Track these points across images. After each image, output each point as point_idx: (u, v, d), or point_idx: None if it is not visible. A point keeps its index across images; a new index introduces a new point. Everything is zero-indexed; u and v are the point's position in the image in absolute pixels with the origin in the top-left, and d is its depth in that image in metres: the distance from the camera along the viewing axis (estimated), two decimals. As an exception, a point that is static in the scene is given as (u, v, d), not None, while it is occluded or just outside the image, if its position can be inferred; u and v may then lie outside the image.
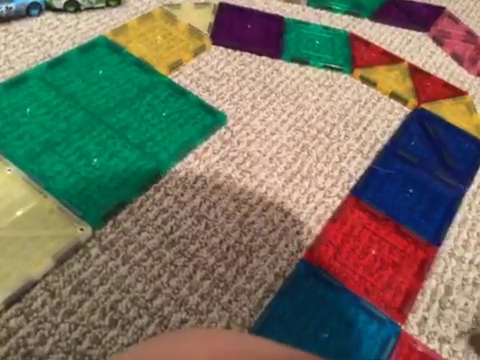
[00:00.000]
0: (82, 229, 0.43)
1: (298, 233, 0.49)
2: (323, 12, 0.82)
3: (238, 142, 0.56)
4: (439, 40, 0.82)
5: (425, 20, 0.85)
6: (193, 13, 0.72)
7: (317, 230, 0.49)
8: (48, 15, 0.66)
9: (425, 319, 0.45)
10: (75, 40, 0.63)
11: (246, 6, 0.76)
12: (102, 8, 0.69)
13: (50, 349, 0.37)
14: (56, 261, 0.41)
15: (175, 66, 0.63)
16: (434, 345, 0.43)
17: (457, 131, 0.65)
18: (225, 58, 0.67)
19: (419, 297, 0.46)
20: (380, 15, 0.83)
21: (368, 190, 0.54)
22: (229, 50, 0.68)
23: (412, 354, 0.42)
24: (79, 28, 0.65)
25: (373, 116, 0.64)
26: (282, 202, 0.51)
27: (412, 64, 0.74)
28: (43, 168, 0.47)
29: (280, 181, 0.53)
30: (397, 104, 0.67)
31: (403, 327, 0.43)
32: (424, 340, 0.43)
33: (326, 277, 0.45)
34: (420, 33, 0.83)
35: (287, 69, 0.68)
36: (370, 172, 0.56)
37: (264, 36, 0.71)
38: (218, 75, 0.64)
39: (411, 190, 0.55)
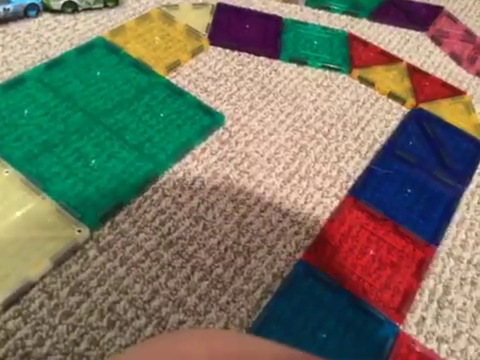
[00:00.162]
0: (80, 230, 0.43)
1: (296, 233, 0.49)
2: (321, 12, 0.82)
3: (236, 143, 0.56)
4: (437, 40, 0.82)
5: (423, 20, 0.85)
6: (191, 14, 0.72)
7: (315, 230, 0.49)
8: (46, 16, 0.66)
9: (423, 319, 0.45)
10: (73, 41, 0.63)
11: (244, 6, 0.76)
12: (100, 9, 0.69)
13: (48, 350, 0.37)
14: (54, 263, 0.41)
15: (173, 67, 0.63)
16: (432, 345, 0.43)
17: (455, 131, 0.65)
18: (223, 59, 0.67)
19: (417, 297, 0.46)
20: (378, 15, 0.83)
21: (366, 190, 0.54)
22: (227, 50, 0.68)
23: (410, 354, 0.42)
24: (77, 29, 0.65)
25: (371, 116, 0.64)
26: (280, 203, 0.51)
27: (410, 64, 0.74)
28: (41, 170, 0.47)
29: (278, 181, 0.53)
30: (395, 104, 0.67)
31: (401, 327, 0.43)
32: (422, 340, 0.43)
33: (324, 277, 0.45)
34: (418, 33, 0.83)
35: (285, 69, 0.68)
36: (368, 172, 0.56)
37: (262, 36, 0.71)
38: (216, 76, 0.64)
39: (409, 190, 0.55)
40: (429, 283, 0.48)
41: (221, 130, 0.57)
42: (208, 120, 0.57)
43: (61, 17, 0.66)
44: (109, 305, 0.40)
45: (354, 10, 0.83)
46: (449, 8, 0.91)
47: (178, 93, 0.59)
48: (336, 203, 0.52)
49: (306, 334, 0.41)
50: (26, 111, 0.52)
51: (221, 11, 0.74)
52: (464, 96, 0.71)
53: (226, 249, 0.46)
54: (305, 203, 0.52)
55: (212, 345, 0.19)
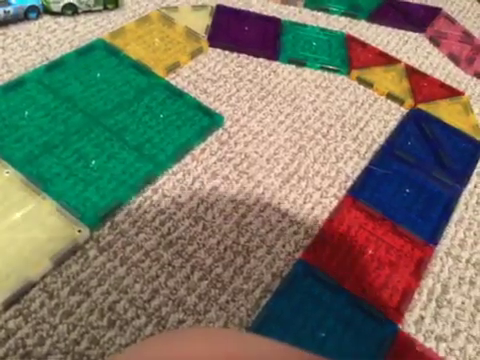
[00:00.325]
0: (80, 231, 0.43)
1: (295, 233, 0.49)
2: (320, 14, 0.82)
3: (235, 143, 0.56)
4: (436, 41, 0.82)
5: (422, 21, 0.86)
6: (190, 15, 0.72)
7: (314, 230, 0.50)
8: (46, 18, 0.66)
9: (422, 318, 0.45)
10: (73, 43, 0.63)
11: (243, 8, 0.77)
12: (100, 11, 0.69)
13: (48, 350, 0.37)
14: (54, 263, 0.41)
15: (172, 68, 0.63)
16: (431, 344, 0.43)
17: (454, 131, 0.65)
18: (222, 60, 0.67)
19: (416, 296, 0.46)
20: (377, 16, 0.84)
21: (365, 190, 0.54)
22: (226, 52, 0.68)
23: (409, 353, 0.42)
24: (77, 31, 0.65)
25: (370, 117, 0.65)
26: (279, 203, 0.51)
27: (409, 65, 0.74)
28: (41, 170, 0.47)
29: (277, 182, 0.53)
30: (394, 105, 0.67)
31: (400, 326, 0.43)
32: (421, 339, 0.43)
33: (323, 277, 0.45)
34: (417, 34, 0.84)
35: (284, 71, 0.68)
36: (367, 172, 0.56)
37: (261, 38, 0.72)
38: (215, 77, 0.64)
39: (408, 190, 0.55)
40: (428, 282, 0.48)
41: (220, 131, 0.57)
42: (207, 121, 0.57)
43: (61, 19, 0.67)
44: (109, 304, 0.40)
45: (353, 12, 0.83)
46: (447, 9, 0.91)
47: (178, 94, 0.59)
48: (335, 203, 0.53)
49: (305, 333, 0.41)
50: (26, 112, 0.53)
51: (220, 13, 0.74)
52: (462, 97, 0.71)
53: (225, 249, 0.46)
54: (304, 203, 0.52)
55: (212, 344, 0.19)
